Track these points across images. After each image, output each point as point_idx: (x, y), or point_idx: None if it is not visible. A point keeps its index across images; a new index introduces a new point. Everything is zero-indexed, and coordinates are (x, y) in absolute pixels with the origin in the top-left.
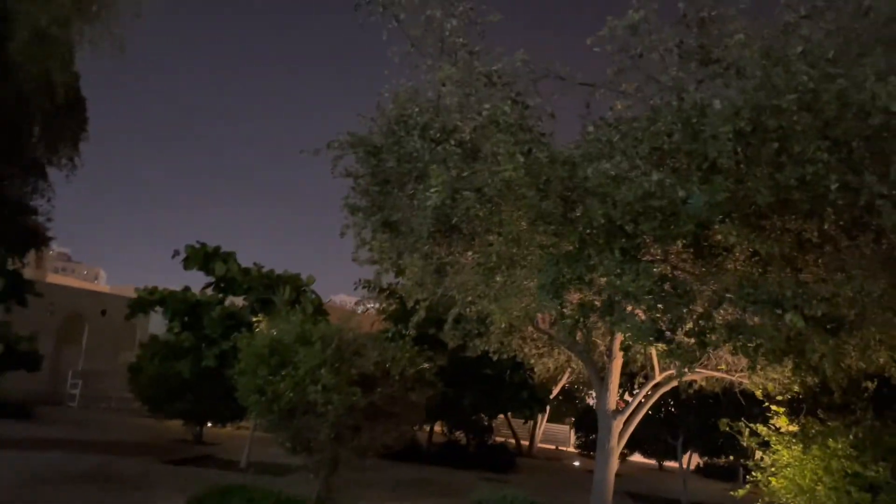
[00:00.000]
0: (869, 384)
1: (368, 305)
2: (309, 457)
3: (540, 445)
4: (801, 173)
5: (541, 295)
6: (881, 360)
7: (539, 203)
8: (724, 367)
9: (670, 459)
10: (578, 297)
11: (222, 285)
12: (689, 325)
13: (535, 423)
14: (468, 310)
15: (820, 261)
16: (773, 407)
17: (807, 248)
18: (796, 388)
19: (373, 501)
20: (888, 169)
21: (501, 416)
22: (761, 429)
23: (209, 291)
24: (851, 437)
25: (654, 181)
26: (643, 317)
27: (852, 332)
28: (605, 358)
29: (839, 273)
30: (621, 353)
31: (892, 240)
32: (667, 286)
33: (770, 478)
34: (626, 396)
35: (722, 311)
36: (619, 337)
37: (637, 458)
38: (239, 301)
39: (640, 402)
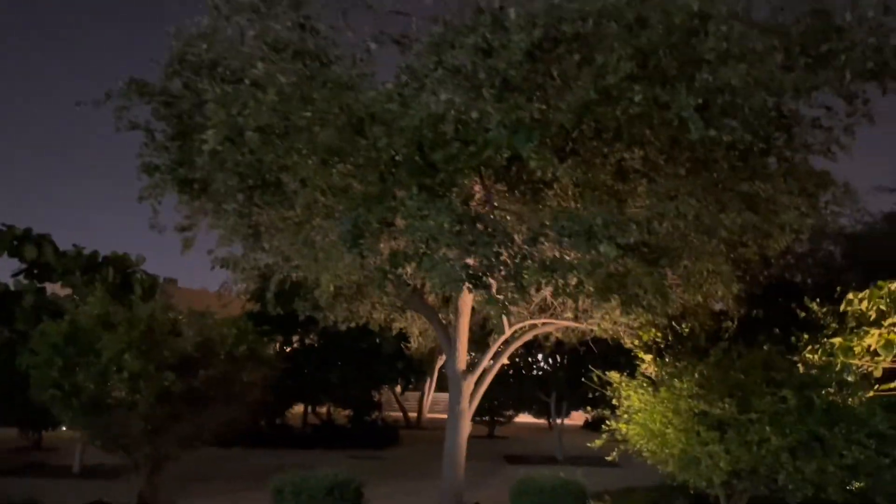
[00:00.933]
0: (729, 324)
1: (235, 287)
2: (125, 455)
3: (430, 416)
4: (603, 85)
5: (342, 245)
6: (718, 293)
7: (321, 135)
8: (570, 314)
9: (562, 417)
10: (389, 246)
11: (35, 272)
12: (505, 268)
13: (423, 394)
14: (293, 275)
15: (639, 188)
16: (640, 354)
17: (628, 175)
18: (654, 332)
19: (199, 498)
20: (695, 78)
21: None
22: (613, 376)
23: (22, 279)
24: (697, 375)
25: (443, 101)
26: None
27: (673, 262)
28: (452, 316)
29: (654, 198)
30: (468, 310)
31: (707, 158)
32: (479, 226)
33: (622, 424)
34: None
35: (541, 249)
36: (465, 292)
37: (527, 418)
38: (66, 290)
39: (491, 360)
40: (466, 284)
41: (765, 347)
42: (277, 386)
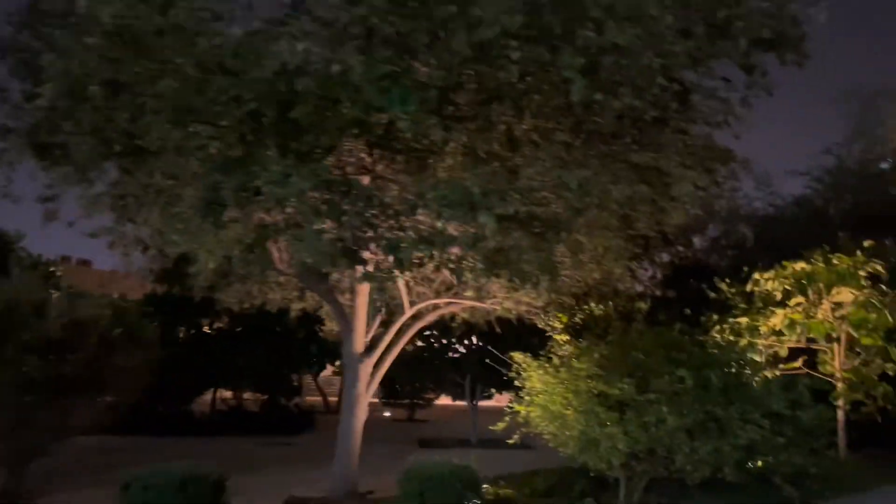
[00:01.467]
0: (642, 305)
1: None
2: None
3: None
4: (478, 40)
5: (200, 214)
6: (617, 271)
7: (163, 87)
8: (472, 294)
9: (477, 399)
10: (259, 216)
11: None
12: (382, 241)
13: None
14: (170, 250)
15: (525, 157)
16: (556, 336)
17: (517, 143)
18: (560, 316)
19: (61, 493)
20: (577, 35)
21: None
22: (517, 356)
23: None
24: (597, 355)
25: (300, 51)
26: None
27: (561, 236)
28: (349, 295)
29: (539, 167)
30: (366, 288)
31: (598, 126)
32: (355, 194)
33: (523, 407)
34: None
35: (420, 221)
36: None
37: (449, 401)
38: None
39: (392, 341)
40: (348, 264)
41: (676, 327)
42: (183, 371)
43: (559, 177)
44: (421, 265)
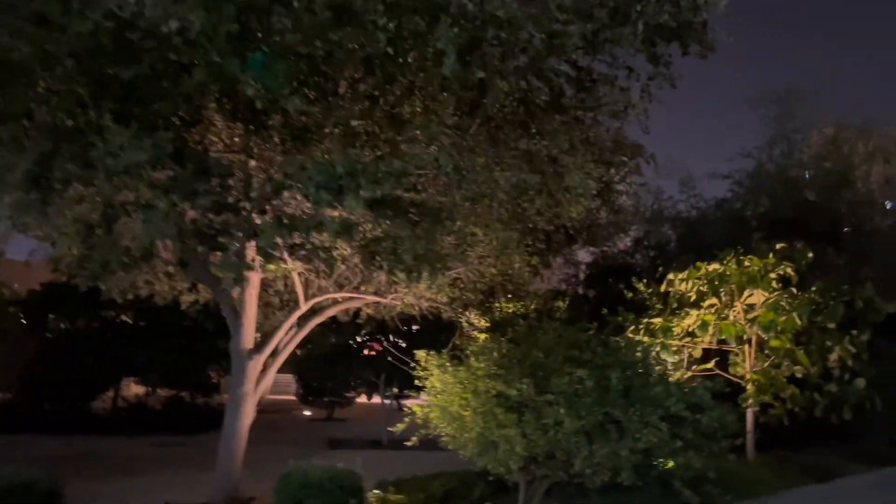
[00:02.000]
0: (561, 303)
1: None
2: None
3: (270, 397)
4: (339, 3)
5: (24, 189)
6: (515, 265)
7: None
8: (371, 287)
9: (391, 398)
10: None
11: None
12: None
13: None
14: (31, 234)
15: (401, 136)
16: (476, 333)
17: (397, 122)
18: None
19: None
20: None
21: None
22: (420, 354)
23: None
24: (497, 354)
25: (132, 2)
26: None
27: (443, 223)
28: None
29: (415, 147)
30: (257, 280)
31: (485, 108)
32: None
33: (419, 407)
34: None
35: (294, 204)
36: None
37: (376, 400)
38: None
39: (284, 337)
40: (208, 250)
41: (580, 325)
42: (77, 367)
43: (436, 159)
44: (293, 254)
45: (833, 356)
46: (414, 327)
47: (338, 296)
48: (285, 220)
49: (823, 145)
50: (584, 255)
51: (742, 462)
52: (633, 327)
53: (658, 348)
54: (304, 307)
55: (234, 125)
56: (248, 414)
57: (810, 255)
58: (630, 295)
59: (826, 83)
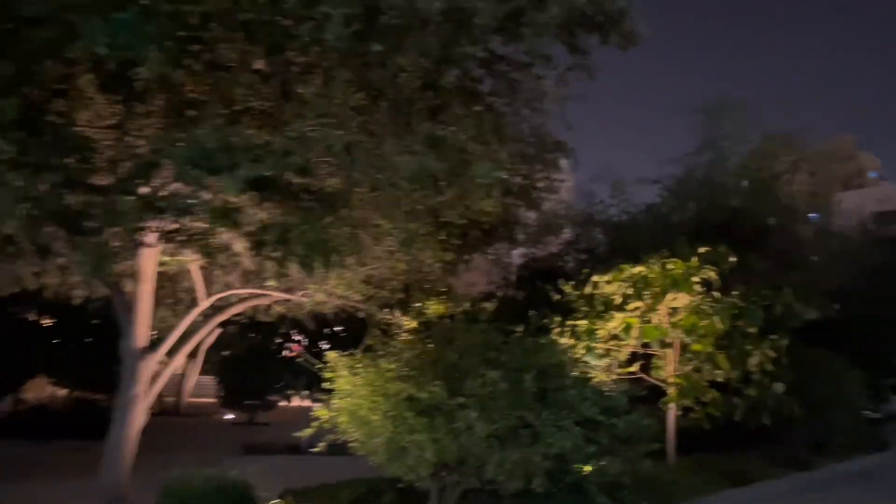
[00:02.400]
0: (487, 305)
1: None
2: None
3: (194, 400)
4: None
5: None
6: (427, 261)
7: None
8: (274, 282)
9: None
10: None
11: None
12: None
13: (183, 377)
14: None
15: (290, 112)
16: (403, 335)
17: (286, 96)
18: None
19: None
20: None
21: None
22: (331, 355)
23: None
24: (408, 355)
25: None
26: None
27: (337, 210)
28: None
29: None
30: (152, 273)
31: (385, 87)
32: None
33: (325, 411)
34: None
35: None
36: (148, 252)
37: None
38: None
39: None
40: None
41: (494, 326)
42: None
43: (324, 138)
44: (169, 241)
45: (753, 360)
46: (341, 328)
47: (242, 292)
48: (156, 203)
49: (749, 153)
50: (518, 257)
51: (662, 466)
52: (557, 329)
53: (583, 351)
54: (205, 303)
55: (106, 96)
56: (137, 418)
57: (733, 259)
58: (557, 297)
59: (756, 93)
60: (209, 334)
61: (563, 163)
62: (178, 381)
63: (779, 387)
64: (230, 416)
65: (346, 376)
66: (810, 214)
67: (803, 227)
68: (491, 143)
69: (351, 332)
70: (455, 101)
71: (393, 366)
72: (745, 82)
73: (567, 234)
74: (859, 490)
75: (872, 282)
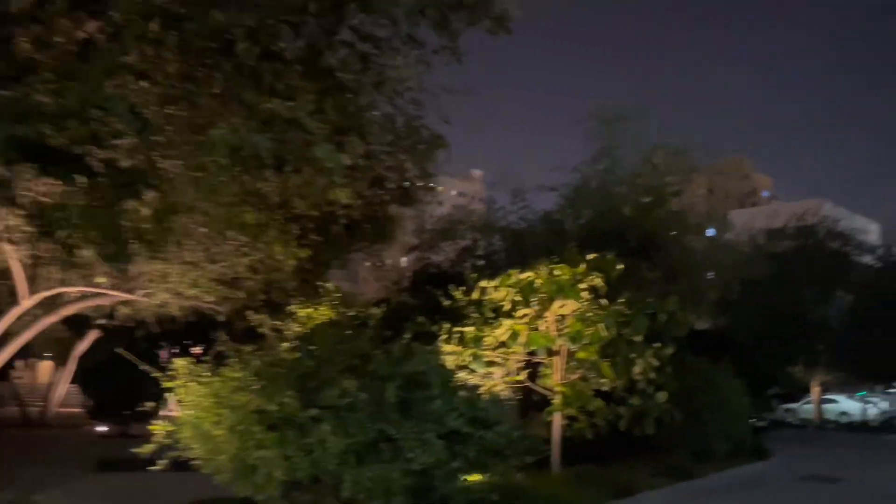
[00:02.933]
0: (375, 311)
1: None
2: None
3: (64, 410)
4: None
5: None
6: (277, 257)
7: None
8: (104, 280)
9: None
10: None
11: None
12: None
13: (51, 385)
14: None
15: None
16: (279, 342)
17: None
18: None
19: None
20: None
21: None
22: (178, 363)
23: None
24: (258, 363)
25: None
26: None
27: (137, 191)
28: None
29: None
30: None
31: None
32: None
33: (163, 426)
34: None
35: None
36: None
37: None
38: None
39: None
40: None
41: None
42: None
43: (106, 99)
44: None
45: (637, 369)
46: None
47: (72, 290)
48: None
49: (642, 163)
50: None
51: (546, 478)
52: (444, 336)
53: (469, 359)
54: (27, 303)
55: None
56: None
57: (620, 266)
58: (447, 303)
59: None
60: (82, 339)
61: (446, 163)
62: (45, 391)
63: (662, 396)
64: (103, 428)
65: (191, 386)
66: (707, 230)
67: (694, 239)
68: (341, 125)
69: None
70: (292, 71)
71: (238, 374)
72: (649, 95)
73: (467, 240)
74: (739, 500)
75: (758, 294)
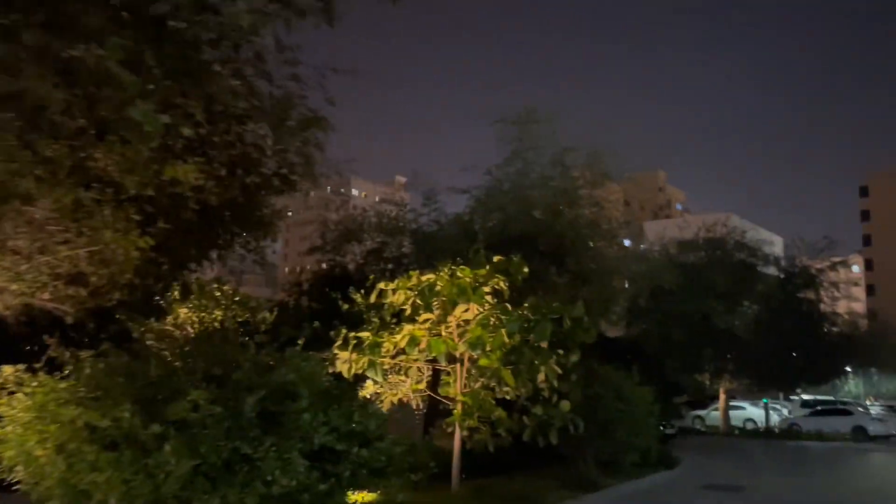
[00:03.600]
0: (267, 315)
1: None
2: None
3: None
4: None
5: None
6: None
7: None
8: None
9: None
10: None
11: None
12: None
13: None
14: None
15: None
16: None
17: None
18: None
19: None
20: None
21: None
22: (6, 370)
23: None
24: (90, 371)
25: None
26: None
27: None
28: None
29: None
30: None
31: None
32: None
33: None
34: None
35: None
36: None
37: None
38: None
39: None
40: None
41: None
42: None
43: None
44: None
45: (541, 377)
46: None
47: None
48: None
49: (552, 166)
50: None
51: (442, 494)
52: (339, 343)
53: (366, 367)
54: None
55: None
56: None
57: (526, 269)
58: (346, 307)
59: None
60: None
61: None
62: None
63: (565, 405)
64: None
65: (18, 397)
66: (619, 237)
67: (606, 245)
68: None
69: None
70: (107, 16)
71: (64, 385)
72: (560, 96)
73: (376, 242)
74: None
75: (667, 303)
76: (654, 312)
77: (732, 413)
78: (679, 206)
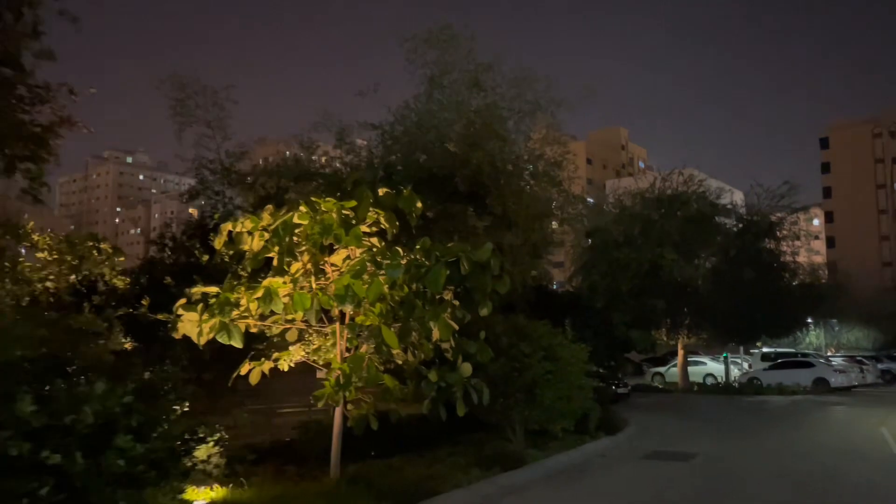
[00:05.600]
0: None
1: None
2: None
3: None
4: None
5: None
6: None
7: None
8: None
9: None
10: None
11: None
12: None
13: None
14: None
15: None
16: None
17: None
18: None
19: None
20: None
21: None
22: None
23: None
24: None
25: None
26: None
27: None
28: None
29: None
30: None
31: None
32: None
33: None
34: None
35: None
36: None
37: None
38: None
39: None
40: None
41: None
42: None
43: None
44: None
45: (435, 334)
46: None
47: None
48: None
49: (470, 87)
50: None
51: (315, 483)
52: (182, 302)
53: (216, 330)
54: None
55: None
56: None
57: (419, 204)
58: (205, 258)
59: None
60: None
61: None
62: None
63: (466, 368)
64: None
65: None
66: (590, 201)
67: (536, 185)
68: None
69: None
70: None
71: None
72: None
73: (268, 188)
74: (553, 493)
75: (616, 254)
76: (600, 263)
77: (692, 369)
78: (642, 164)
